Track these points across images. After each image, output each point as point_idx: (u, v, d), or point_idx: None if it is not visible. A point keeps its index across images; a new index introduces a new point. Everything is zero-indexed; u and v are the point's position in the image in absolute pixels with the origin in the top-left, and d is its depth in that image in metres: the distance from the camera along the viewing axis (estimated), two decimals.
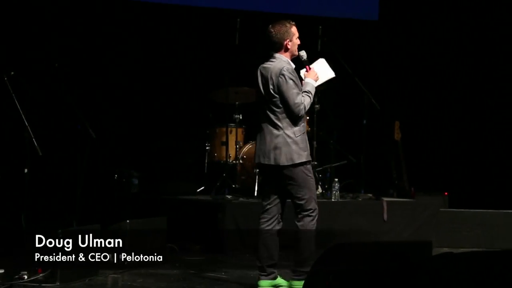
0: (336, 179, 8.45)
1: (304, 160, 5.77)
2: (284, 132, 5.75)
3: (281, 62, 5.82)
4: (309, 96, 5.82)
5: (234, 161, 8.49)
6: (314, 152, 8.79)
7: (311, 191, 5.85)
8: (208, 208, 7.90)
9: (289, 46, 5.89)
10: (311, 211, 5.87)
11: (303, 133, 5.82)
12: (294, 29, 5.95)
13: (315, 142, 8.82)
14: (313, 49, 9.24)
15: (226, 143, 8.46)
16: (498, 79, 10.63)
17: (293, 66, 5.88)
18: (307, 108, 5.80)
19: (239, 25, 8.82)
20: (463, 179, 10.54)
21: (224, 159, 8.47)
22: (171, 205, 8.06)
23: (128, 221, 6.65)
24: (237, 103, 8.68)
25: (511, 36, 10.62)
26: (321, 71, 6.06)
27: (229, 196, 8.02)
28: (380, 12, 10.62)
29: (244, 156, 8.49)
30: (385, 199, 8.57)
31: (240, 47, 9.11)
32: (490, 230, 8.24)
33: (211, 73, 9.72)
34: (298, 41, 5.93)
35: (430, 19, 10.73)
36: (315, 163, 8.72)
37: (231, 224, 7.70)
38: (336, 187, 8.40)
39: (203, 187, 8.56)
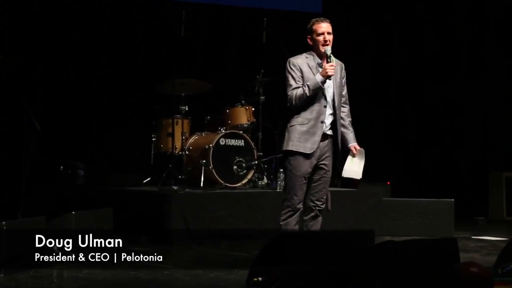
0: (281, 170, 8.53)
1: (289, 148, 5.96)
2: (289, 120, 6.03)
3: (298, 55, 6.07)
4: (304, 90, 5.92)
5: (180, 152, 8.52)
6: (260, 143, 8.88)
7: (287, 184, 6.05)
8: (154, 199, 7.91)
9: (310, 43, 6.10)
10: (283, 205, 6.05)
11: (301, 124, 5.96)
12: (315, 26, 6.09)
13: (260, 133, 8.91)
14: (258, 41, 9.33)
15: (172, 135, 8.48)
16: (441, 67, 10.85)
17: (318, 60, 6.03)
18: (296, 101, 5.94)
19: (185, 16, 8.83)
20: (404, 169, 10.75)
21: (170, 150, 8.49)
22: (117, 197, 8.04)
23: (74, 212, 6.64)
24: (183, 94, 8.70)
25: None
26: (355, 166, 6.29)
27: (175, 187, 8.05)
28: (324, 4, 10.73)
29: (190, 147, 8.52)
30: (330, 189, 8.66)
31: (185, 39, 9.13)
32: (430, 218, 8.42)
33: (156, 64, 9.72)
34: (319, 38, 6.05)
35: (371, 10, 10.89)
36: (261, 153, 8.81)
37: (178, 215, 7.73)
38: (281, 178, 8.48)
39: (149, 178, 8.57)
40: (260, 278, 5.50)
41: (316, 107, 5.97)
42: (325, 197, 6.19)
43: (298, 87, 5.95)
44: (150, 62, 9.78)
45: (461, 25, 10.82)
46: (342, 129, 6.14)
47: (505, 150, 10.65)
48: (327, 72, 5.90)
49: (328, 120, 6.03)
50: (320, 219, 6.18)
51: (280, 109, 9.55)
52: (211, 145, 8.37)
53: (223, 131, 8.65)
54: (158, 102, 8.97)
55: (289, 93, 5.97)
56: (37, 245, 6.09)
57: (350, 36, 10.84)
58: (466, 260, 4.90)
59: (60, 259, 6.42)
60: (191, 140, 8.57)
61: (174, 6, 9.51)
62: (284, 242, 5.23)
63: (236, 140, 8.63)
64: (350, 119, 6.22)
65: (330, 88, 6.02)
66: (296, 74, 5.99)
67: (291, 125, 6.00)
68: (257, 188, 8.71)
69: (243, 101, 8.88)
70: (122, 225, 7.31)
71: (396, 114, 10.91)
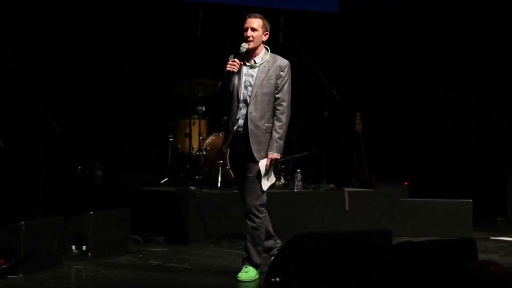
0: (298, 170, 8.52)
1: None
2: None
3: None
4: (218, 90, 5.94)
5: (197, 153, 8.52)
6: None
7: None
8: (171, 199, 7.92)
9: None
10: None
11: (225, 123, 6.05)
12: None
13: None
14: (275, 41, 9.31)
15: (189, 135, 8.48)
16: (455, 71, 10.81)
17: (241, 57, 5.82)
18: (217, 97, 5.97)
19: (201, 17, 8.84)
20: (422, 169, 10.71)
21: (188, 150, 8.49)
22: (135, 197, 8.06)
23: (91, 212, 6.67)
24: (200, 95, 8.70)
25: (469, 30, 10.80)
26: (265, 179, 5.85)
27: (192, 188, 8.05)
28: (340, 4, 10.72)
29: (208, 148, 8.52)
30: (347, 189, 8.66)
31: (202, 39, 9.14)
32: (448, 219, 8.38)
33: (174, 64, 9.73)
34: (244, 33, 5.89)
35: (388, 10, 10.86)
36: None
37: (195, 215, 7.74)
38: (298, 178, 8.47)
39: (166, 179, 8.58)
40: (277, 279, 5.51)
41: (232, 107, 5.87)
42: (249, 198, 5.82)
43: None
44: (167, 62, 9.79)
45: (471, 24, 10.79)
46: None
47: None
48: (226, 67, 5.76)
49: (243, 121, 5.82)
50: (248, 225, 5.86)
51: (297, 109, 9.58)
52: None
53: None
54: (175, 102, 8.98)
55: None
56: (55, 245, 6.13)
57: (367, 35, 10.83)
58: None
59: (78, 259, 6.47)
60: (208, 141, 8.56)
61: (190, 6, 9.52)
62: (302, 242, 5.23)
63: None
64: (281, 123, 5.80)
65: (249, 87, 5.80)
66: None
67: None
68: (274, 189, 8.70)
69: None
70: (139, 225, 7.34)
71: (413, 114, 10.86)
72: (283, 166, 8.91)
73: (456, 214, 8.39)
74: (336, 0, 10.67)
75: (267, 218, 6.03)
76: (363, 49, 10.81)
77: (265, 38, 5.89)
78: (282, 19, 9.17)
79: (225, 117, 8.75)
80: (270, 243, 6.11)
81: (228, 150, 5.99)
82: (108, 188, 8.51)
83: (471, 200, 8.49)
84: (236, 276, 5.93)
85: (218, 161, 8.29)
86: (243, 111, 5.81)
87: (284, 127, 5.82)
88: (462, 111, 10.81)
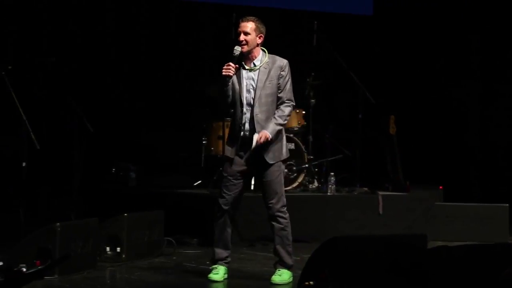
0: (332, 173, 8.49)
1: (223, 153, 6.06)
2: None
3: None
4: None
5: None
6: (310, 147, 8.84)
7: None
8: (205, 202, 7.92)
9: None
10: None
11: (229, 129, 6.03)
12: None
13: (310, 137, 8.88)
14: (308, 44, 9.30)
15: (222, 137, 8.49)
16: (491, 73, 10.70)
17: (235, 60, 5.86)
18: (218, 104, 6.09)
19: (235, 19, 8.85)
20: (457, 172, 10.61)
21: (221, 153, 8.49)
22: (168, 199, 8.09)
23: (125, 214, 6.70)
24: None
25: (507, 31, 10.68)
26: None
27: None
28: (375, 7, 10.67)
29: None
30: (381, 192, 8.61)
31: (236, 41, 9.13)
32: (484, 223, 8.30)
33: (208, 67, 9.76)
34: (238, 37, 5.93)
35: (424, 13, 10.79)
36: (311, 157, 8.77)
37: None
38: (332, 181, 8.44)
39: (200, 181, 8.59)
40: (311, 282, 5.49)
41: (236, 112, 5.90)
42: (272, 200, 5.92)
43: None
44: (201, 65, 9.82)
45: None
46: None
47: None
48: (222, 72, 5.79)
49: (249, 124, 5.86)
50: (275, 227, 5.98)
51: (330, 112, 9.56)
52: None
53: None
54: (209, 105, 9.00)
55: None
56: (90, 246, 6.17)
57: (401, 37, 10.76)
58: None
59: (112, 261, 6.51)
60: None
61: (225, 9, 9.54)
62: (335, 246, 5.20)
63: (287, 144, 8.59)
64: (283, 113, 5.87)
65: (251, 90, 5.85)
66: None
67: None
68: (308, 192, 8.69)
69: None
70: (173, 228, 7.35)
71: (448, 117, 10.77)
72: (316, 169, 8.89)
73: (492, 218, 8.31)
74: (370, 3, 10.62)
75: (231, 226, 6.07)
76: (397, 51, 10.74)
77: (259, 41, 5.95)
78: (316, 22, 9.16)
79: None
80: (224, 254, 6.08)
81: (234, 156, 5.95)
82: (142, 190, 8.55)
83: (507, 205, 8.42)
84: (269, 279, 5.91)
85: None
86: (248, 114, 5.87)
87: (284, 118, 5.89)
88: (498, 114, 10.68)
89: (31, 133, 6.44)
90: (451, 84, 10.78)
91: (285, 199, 5.99)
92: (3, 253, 5.88)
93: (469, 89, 10.72)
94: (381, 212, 8.43)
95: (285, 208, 5.99)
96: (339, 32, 10.35)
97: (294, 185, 8.59)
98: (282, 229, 5.96)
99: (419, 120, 10.65)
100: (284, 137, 6.02)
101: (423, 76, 10.80)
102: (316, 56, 9.53)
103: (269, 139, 5.80)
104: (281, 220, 5.94)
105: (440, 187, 9.12)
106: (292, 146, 8.60)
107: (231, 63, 5.77)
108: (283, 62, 5.94)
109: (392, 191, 8.85)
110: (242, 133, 5.87)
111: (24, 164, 6.46)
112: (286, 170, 7.29)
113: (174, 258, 6.96)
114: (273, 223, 5.95)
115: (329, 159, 8.91)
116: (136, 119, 9.48)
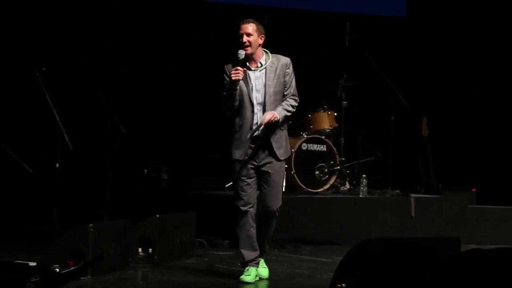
0: (364, 175, 8.46)
1: (232, 157, 6.01)
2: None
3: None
4: (223, 98, 5.93)
5: None
6: (342, 149, 8.81)
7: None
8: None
9: None
10: None
11: (234, 131, 5.99)
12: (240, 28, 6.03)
13: (342, 138, 8.86)
14: (341, 45, 9.27)
15: None
16: None
17: (242, 63, 5.89)
18: (223, 110, 6.00)
19: (267, 21, 8.83)
20: (490, 175, 10.51)
21: None
22: (200, 200, 8.10)
23: (157, 216, 6.73)
24: None
25: None
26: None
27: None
28: (408, 8, 10.61)
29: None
30: (413, 195, 8.56)
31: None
32: None
33: None
34: (240, 39, 5.96)
35: (457, 14, 10.71)
36: (343, 159, 8.74)
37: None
38: (364, 183, 8.41)
39: (231, 183, 8.58)
40: (343, 285, 5.47)
41: (245, 113, 5.92)
42: (275, 200, 6.00)
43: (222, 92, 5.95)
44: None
45: None
46: None
47: None
48: (231, 77, 5.81)
49: (260, 124, 5.89)
50: (268, 222, 6.07)
51: (362, 114, 9.52)
52: (293, 150, 8.35)
53: (305, 136, 8.62)
54: None
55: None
56: (122, 247, 6.21)
57: (435, 39, 10.69)
58: None
59: (144, 262, 6.54)
60: None
61: (257, 10, 9.53)
62: (367, 248, 5.17)
63: (318, 145, 8.60)
64: (291, 104, 5.99)
65: (261, 90, 5.92)
66: (226, 81, 5.91)
67: (231, 132, 6.03)
68: (339, 194, 8.66)
69: (325, 106, 8.84)
70: (204, 229, 7.37)
71: (481, 119, 10.68)
72: (348, 171, 8.87)
73: None
74: (403, 4, 10.57)
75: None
76: (430, 53, 10.67)
77: (261, 41, 6.00)
78: (348, 24, 9.13)
79: (290, 122, 8.85)
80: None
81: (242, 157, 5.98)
82: (173, 191, 8.58)
83: None
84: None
85: None
86: (260, 114, 5.93)
87: (291, 107, 5.99)
88: None
89: (65, 134, 6.49)
90: (484, 85, 10.68)
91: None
92: (37, 253, 5.92)
93: (503, 89, 10.61)
94: (413, 214, 8.38)
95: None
96: (372, 34, 10.31)
97: (326, 187, 8.57)
98: (273, 226, 6.12)
99: (452, 122, 10.57)
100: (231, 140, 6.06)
101: (455, 78, 10.72)
102: (348, 58, 9.50)
103: (277, 119, 5.87)
104: (275, 219, 6.09)
105: (473, 190, 9.05)
106: (323, 148, 8.59)
107: (239, 67, 5.81)
108: (287, 60, 6.04)
109: (424, 194, 8.81)
110: (255, 133, 5.91)
111: (57, 165, 6.50)
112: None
113: (205, 259, 6.97)
114: (271, 217, 6.05)
115: (361, 161, 8.88)
116: (168, 121, 9.51)
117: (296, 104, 6.05)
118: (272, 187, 5.98)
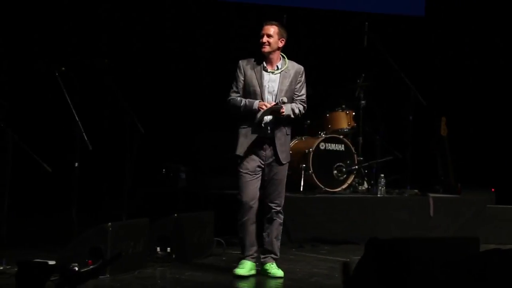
0: (382, 175, 8.45)
1: (235, 153, 6.12)
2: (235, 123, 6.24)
3: (249, 58, 6.21)
4: (241, 104, 6.08)
5: None
6: (360, 148, 8.80)
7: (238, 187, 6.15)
8: None
9: None
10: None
11: (242, 127, 6.11)
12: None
13: (360, 138, 8.84)
14: (359, 45, 9.25)
15: None
16: None
17: (264, 64, 6.10)
18: (231, 108, 6.16)
19: (286, 21, 8.84)
20: (510, 175, 10.45)
21: None
22: (218, 200, 8.11)
23: (176, 215, 6.74)
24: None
25: None
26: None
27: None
28: (427, 7, 10.57)
29: (290, 152, 8.47)
30: (431, 195, 8.54)
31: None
32: None
33: None
34: (261, 39, 6.15)
35: (477, 13, 10.65)
36: (361, 158, 8.72)
37: None
38: (382, 183, 8.40)
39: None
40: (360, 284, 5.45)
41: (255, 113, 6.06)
42: (278, 199, 6.17)
43: (238, 95, 6.10)
44: None
45: None
46: None
47: None
48: (260, 108, 5.99)
49: (269, 124, 6.10)
50: (276, 222, 6.18)
51: (381, 113, 9.50)
52: (311, 149, 8.35)
53: (323, 135, 8.61)
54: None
55: (230, 95, 6.13)
56: (141, 246, 6.23)
57: (454, 39, 10.64)
58: None
59: (162, 261, 6.56)
60: (291, 144, 8.54)
61: (275, 10, 9.54)
62: (383, 248, 5.16)
63: (336, 145, 8.59)
64: (300, 108, 6.17)
65: (273, 92, 6.09)
66: (239, 78, 6.11)
67: (238, 128, 6.15)
68: (357, 193, 8.65)
69: (343, 106, 8.82)
70: (223, 228, 7.37)
71: (500, 119, 10.62)
72: (366, 171, 8.85)
73: None
74: (422, 4, 10.53)
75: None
76: (449, 52, 10.63)
77: (280, 45, 6.15)
78: (367, 23, 9.11)
79: (308, 121, 8.88)
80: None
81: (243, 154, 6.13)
82: (192, 191, 8.59)
83: None
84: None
85: (301, 165, 8.29)
86: (270, 116, 6.08)
87: (298, 111, 6.14)
88: None
89: (84, 134, 6.52)
90: (504, 85, 10.62)
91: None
92: (56, 252, 5.95)
93: None
94: (432, 214, 8.36)
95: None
96: (390, 33, 10.28)
97: (344, 186, 8.55)
98: (280, 224, 6.22)
99: (471, 122, 10.52)
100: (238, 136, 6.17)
101: (474, 77, 10.67)
102: (367, 57, 9.48)
103: (283, 113, 6.01)
104: (281, 216, 6.21)
105: (492, 190, 9.00)
106: (342, 147, 8.57)
107: (266, 104, 6.00)
108: (300, 68, 6.20)
109: (443, 193, 8.78)
110: (262, 132, 6.07)
111: (76, 164, 6.53)
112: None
113: (223, 258, 6.98)
114: (275, 218, 6.17)
115: (379, 160, 8.86)
116: (186, 120, 9.53)
117: (303, 112, 6.22)
118: (275, 187, 6.16)
